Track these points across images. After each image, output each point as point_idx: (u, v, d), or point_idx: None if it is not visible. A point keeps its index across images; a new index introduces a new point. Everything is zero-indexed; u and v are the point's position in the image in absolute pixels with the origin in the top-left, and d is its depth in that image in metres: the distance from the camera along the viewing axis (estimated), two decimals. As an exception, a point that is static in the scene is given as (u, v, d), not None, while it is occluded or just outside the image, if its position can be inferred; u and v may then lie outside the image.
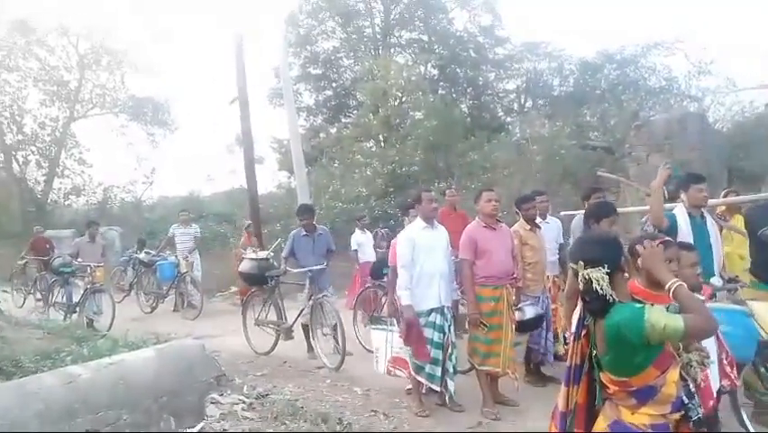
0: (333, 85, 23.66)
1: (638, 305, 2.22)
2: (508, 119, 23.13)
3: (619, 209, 6.51)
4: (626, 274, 2.35)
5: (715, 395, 2.92)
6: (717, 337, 3.33)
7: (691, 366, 2.43)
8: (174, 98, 34.61)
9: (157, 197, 26.31)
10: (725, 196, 6.49)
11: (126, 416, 3.49)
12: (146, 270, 11.49)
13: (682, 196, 4.58)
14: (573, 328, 2.47)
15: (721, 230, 5.07)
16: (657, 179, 4.47)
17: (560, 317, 5.51)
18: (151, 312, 10.84)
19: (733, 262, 5.40)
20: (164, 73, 43.09)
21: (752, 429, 3.77)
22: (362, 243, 9.39)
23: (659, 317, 2.14)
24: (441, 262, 4.99)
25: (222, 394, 4.59)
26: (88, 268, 9.03)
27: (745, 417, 3.79)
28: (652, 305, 2.28)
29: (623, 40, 26.11)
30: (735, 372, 3.40)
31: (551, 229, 6.01)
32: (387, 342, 5.38)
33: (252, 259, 7.49)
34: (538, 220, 5.76)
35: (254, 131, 12.91)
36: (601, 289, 2.18)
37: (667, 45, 20.62)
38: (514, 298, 5.13)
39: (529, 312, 5.30)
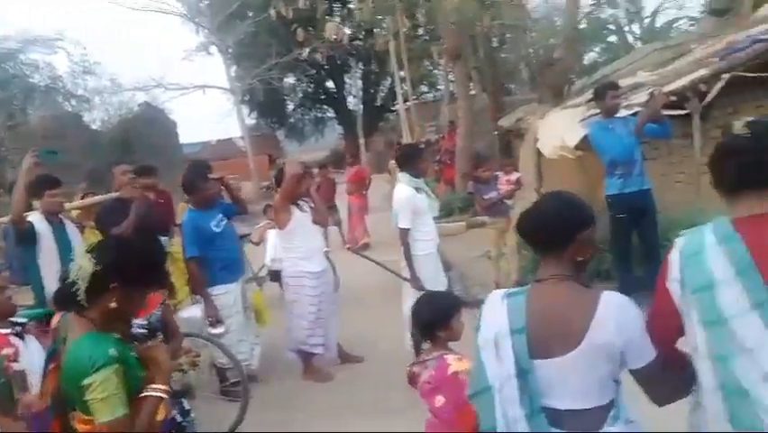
0: None
1: (110, 351, 1.71)
2: None
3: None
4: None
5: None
6: None
7: (183, 370, 2.23)
8: None
9: None
10: (82, 198, 6.55)
11: None
12: None
13: (35, 203, 4.39)
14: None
15: (82, 231, 5.07)
16: (24, 165, 4.04)
17: None
18: None
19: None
20: None
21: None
22: None
23: (109, 387, 1.69)
24: None
25: None
26: None
27: None
28: None
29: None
30: None
31: None
32: None
33: None
34: None
35: None
36: (76, 277, 1.81)
37: (48, 42, 20.08)
38: None
39: None
